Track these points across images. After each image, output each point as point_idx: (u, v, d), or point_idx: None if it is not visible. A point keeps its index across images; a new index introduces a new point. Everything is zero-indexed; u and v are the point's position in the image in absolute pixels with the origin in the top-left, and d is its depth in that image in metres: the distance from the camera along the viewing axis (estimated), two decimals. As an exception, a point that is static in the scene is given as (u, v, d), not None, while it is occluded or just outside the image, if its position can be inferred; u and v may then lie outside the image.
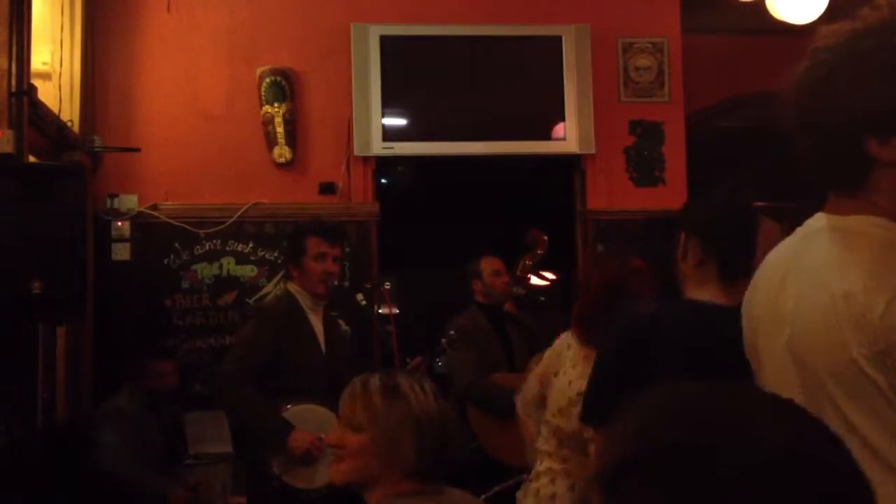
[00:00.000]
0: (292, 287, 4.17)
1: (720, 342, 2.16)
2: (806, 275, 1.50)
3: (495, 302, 5.20)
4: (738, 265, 2.33)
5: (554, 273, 6.71)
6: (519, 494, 3.46)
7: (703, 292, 2.39)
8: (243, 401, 3.90)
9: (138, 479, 4.63)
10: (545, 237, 5.34)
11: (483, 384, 4.92)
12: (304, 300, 4.12)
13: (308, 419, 3.91)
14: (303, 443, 3.83)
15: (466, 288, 5.25)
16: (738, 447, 0.81)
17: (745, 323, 1.70)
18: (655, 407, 0.88)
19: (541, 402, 3.45)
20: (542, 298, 5.94)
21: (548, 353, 3.49)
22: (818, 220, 1.57)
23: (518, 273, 5.28)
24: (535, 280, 5.49)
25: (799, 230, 1.61)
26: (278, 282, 5.38)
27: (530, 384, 3.57)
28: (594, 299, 3.16)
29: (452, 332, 4.90)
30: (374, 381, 2.13)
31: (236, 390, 3.89)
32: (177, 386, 5.01)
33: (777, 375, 1.52)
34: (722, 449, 0.80)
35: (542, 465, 3.38)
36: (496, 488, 4.16)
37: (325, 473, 3.85)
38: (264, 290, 5.47)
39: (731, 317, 2.16)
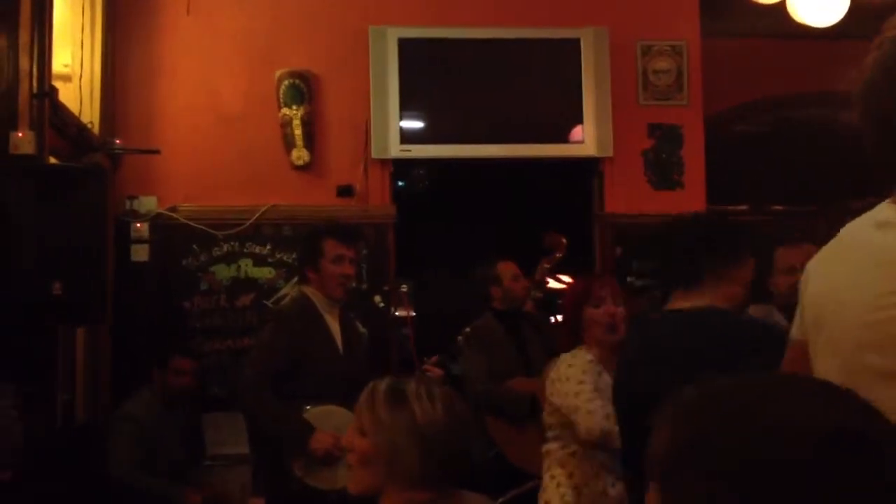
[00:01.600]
0: (308, 290, 4.16)
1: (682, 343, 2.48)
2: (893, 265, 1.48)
3: (512, 306, 5.12)
4: (687, 270, 2.57)
5: (572, 276, 6.69)
6: None
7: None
8: (263, 405, 3.90)
9: (144, 484, 4.63)
10: (564, 240, 5.32)
11: (495, 390, 4.88)
12: (319, 302, 4.12)
13: (328, 420, 3.92)
14: (324, 444, 3.84)
15: (483, 293, 5.16)
16: (780, 431, 0.83)
17: (808, 316, 1.65)
18: (699, 399, 0.90)
19: None
20: (560, 301, 5.92)
21: None
22: (887, 212, 1.52)
23: (537, 277, 5.26)
24: (552, 283, 5.47)
25: (862, 226, 1.56)
26: (296, 284, 5.39)
27: None
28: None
29: (468, 329, 4.89)
30: (382, 387, 2.11)
31: (256, 395, 3.90)
32: (194, 387, 5.02)
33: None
34: (765, 434, 0.83)
35: None
36: (513, 492, 4.14)
37: (347, 474, 3.86)
38: (282, 292, 5.48)
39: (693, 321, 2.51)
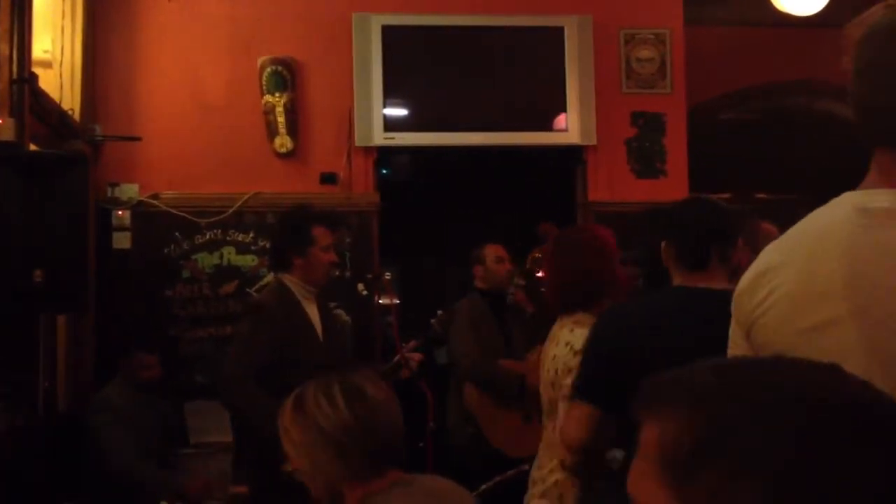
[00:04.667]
0: (287, 278, 4.10)
1: (694, 319, 2.48)
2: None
3: (495, 289, 5.25)
4: (696, 255, 2.68)
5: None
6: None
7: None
8: (251, 402, 3.85)
9: (135, 470, 4.61)
10: (557, 231, 5.34)
11: (489, 365, 4.96)
12: (298, 290, 4.06)
13: None
14: None
15: (468, 274, 5.31)
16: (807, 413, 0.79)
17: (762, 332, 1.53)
18: (712, 386, 0.83)
19: None
20: (545, 290, 5.95)
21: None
22: (884, 197, 1.41)
23: (528, 266, 5.28)
24: (541, 272, 5.49)
25: (849, 212, 1.43)
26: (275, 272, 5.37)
27: None
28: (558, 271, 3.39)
29: (441, 312, 4.91)
30: (288, 405, 2.16)
31: (241, 391, 3.84)
32: (160, 378, 4.97)
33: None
34: (793, 418, 0.78)
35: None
36: (497, 478, 4.15)
37: None
38: (265, 280, 5.46)
39: (702, 297, 2.58)
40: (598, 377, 2.69)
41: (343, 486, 2.08)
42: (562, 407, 3.05)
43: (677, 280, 2.75)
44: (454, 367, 5.17)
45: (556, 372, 3.13)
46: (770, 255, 1.53)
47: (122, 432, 4.65)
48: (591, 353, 2.76)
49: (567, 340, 3.13)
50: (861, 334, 1.37)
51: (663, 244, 2.77)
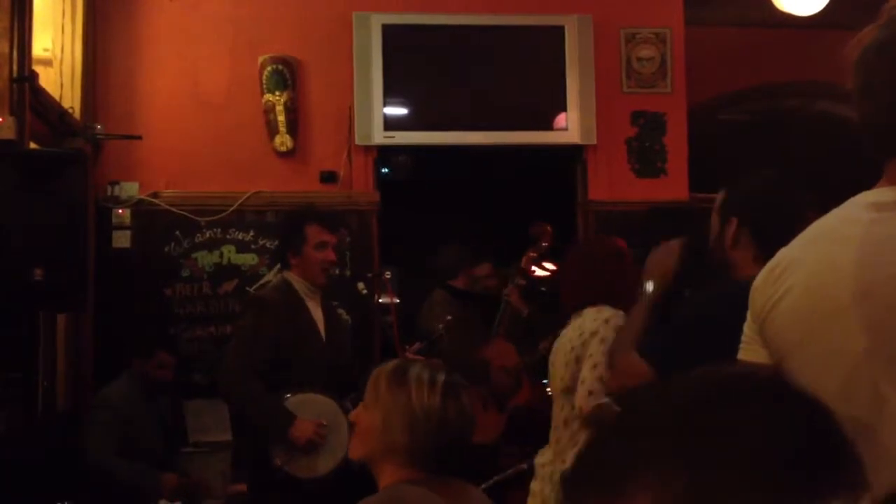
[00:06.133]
0: (290, 276, 4.13)
1: None
2: None
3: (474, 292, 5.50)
4: (777, 239, 2.42)
5: (555, 264, 6.71)
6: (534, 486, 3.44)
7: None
8: (251, 397, 3.87)
9: (121, 470, 4.61)
10: (550, 229, 5.34)
11: (481, 364, 4.94)
12: (301, 288, 4.09)
13: (307, 408, 3.91)
14: (305, 432, 3.83)
15: (460, 264, 5.58)
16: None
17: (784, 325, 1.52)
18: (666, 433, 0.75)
19: None
20: (544, 289, 5.95)
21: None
22: (892, 193, 1.45)
23: (522, 265, 5.27)
24: (537, 271, 5.50)
25: (857, 210, 1.47)
26: (278, 270, 5.38)
27: None
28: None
29: (449, 318, 4.91)
30: (390, 365, 2.25)
31: (243, 386, 3.86)
32: (172, 381, 4.99)
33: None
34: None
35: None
36: (496, 478, 4.15)
37: (327, 461, 3.87)
38: (265, 279, 5.45)
39: None
40: (668, 352, 2.51)
41: (390, 458, 2.15)
42: (580, 389, 3.14)
43: (747, 269, 2.44)
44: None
45: (571, 350, 3.25)
46: (787, 251, 1.56)
47: (111, 431, 4.65)
48: (669, 337, 2.60)
49: (578, 325, 3.26)
50: (866, 320, 1.40)
51: (730, 222, 2.52)
